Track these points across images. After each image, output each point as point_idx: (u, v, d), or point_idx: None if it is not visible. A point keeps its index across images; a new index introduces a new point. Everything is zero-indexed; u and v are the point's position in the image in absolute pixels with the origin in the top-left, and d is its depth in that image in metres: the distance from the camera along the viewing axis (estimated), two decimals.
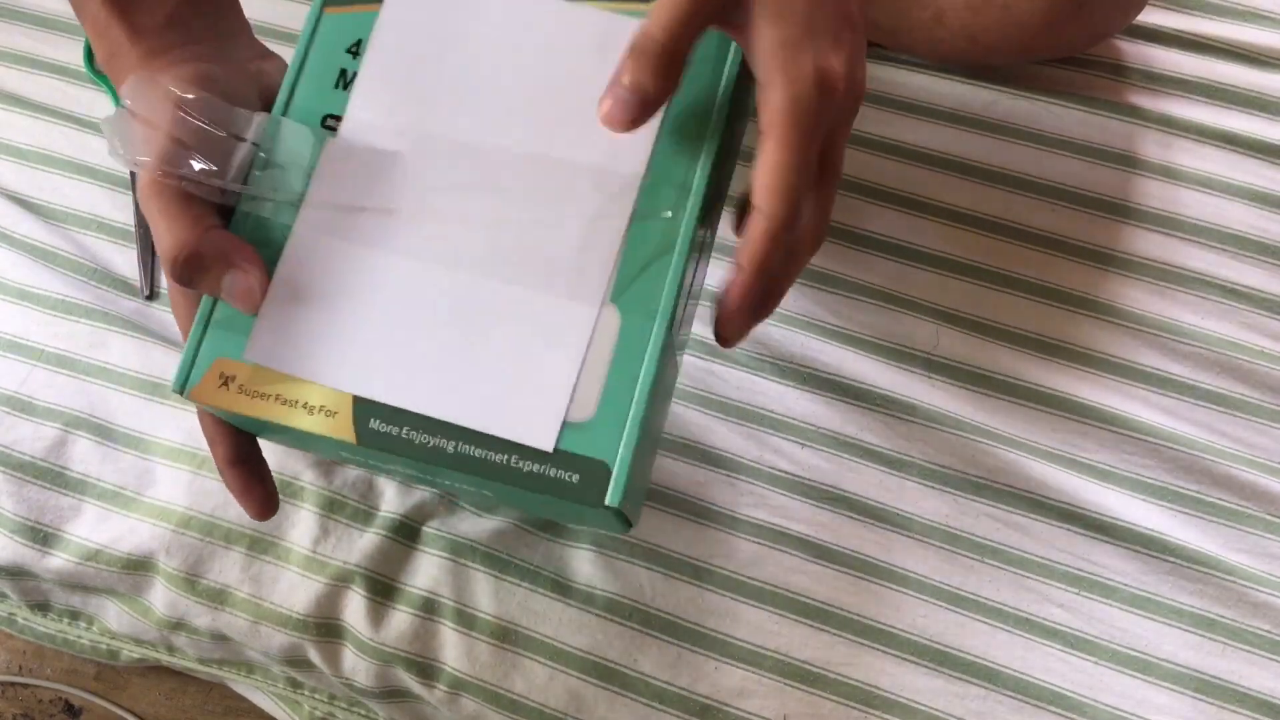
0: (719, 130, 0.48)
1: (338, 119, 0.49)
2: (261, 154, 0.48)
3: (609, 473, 0.45)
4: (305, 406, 0.46)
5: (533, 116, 0.50)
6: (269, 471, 0.53)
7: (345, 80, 0.50)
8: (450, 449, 0.46)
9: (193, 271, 0.46)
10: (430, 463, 0.46)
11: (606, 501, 0.45)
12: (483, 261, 0.48)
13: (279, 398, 0.47)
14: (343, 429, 0.46)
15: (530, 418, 0.46)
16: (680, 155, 0.48)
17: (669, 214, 0.47)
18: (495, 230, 0.48)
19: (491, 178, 0.49)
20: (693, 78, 0.48)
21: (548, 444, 0.46)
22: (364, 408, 0.46)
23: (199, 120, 0.47)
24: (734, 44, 0.49)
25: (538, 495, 0.46)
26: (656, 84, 0.44)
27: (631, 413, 0.46)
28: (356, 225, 0.49)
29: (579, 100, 0.49)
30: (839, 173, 0.47)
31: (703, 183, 0.47)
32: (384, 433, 0.46)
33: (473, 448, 0.46)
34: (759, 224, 0.44)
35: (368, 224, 0.49)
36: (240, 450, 0.52)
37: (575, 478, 0.46)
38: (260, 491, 0.53)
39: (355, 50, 0.50)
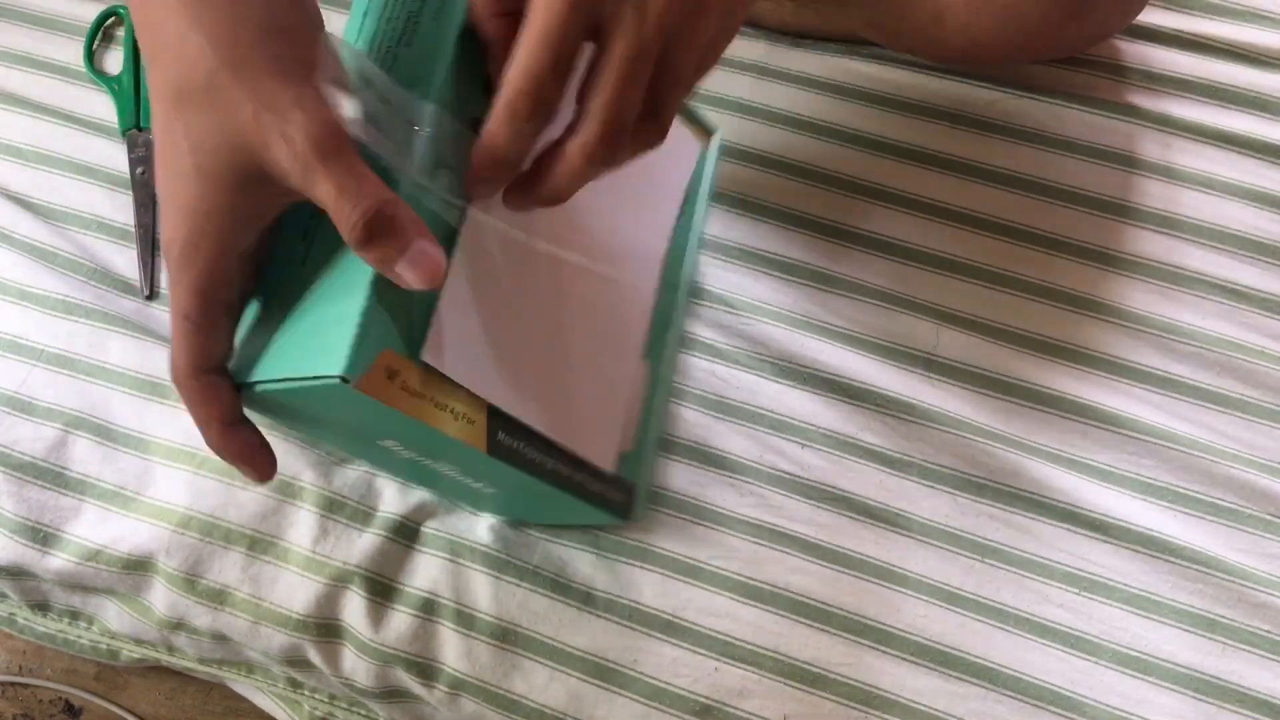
0: None
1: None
2: (434, 150, 0.46)
3: (634, 491, 0.60)
4: (453, 412, 0.47)
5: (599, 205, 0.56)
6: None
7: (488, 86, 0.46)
8: (549, 465, 0.52)
9: (380, 232, 0.41)
10: (532, 475, 0.52)
11: (631, 517, 0.60)
12: (579, 310, 0.55)
13: (434, 400, 0.46)
14: (476, 438, 0.48)
15: (601, 445, 0.56)
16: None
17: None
18: (583, 286, 0.55)
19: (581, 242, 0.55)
20: None
21: (610, 466, 0.55)
22: (497, 420, 0.49)
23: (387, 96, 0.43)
24: None
25: (581, 505, 0.56)
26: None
27: (650, 445, 0.58)
28: (507, 246, 0.49)
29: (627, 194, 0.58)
30: (637, 65, 0.42)
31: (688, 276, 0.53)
32: (509, 445, 0.50)
33: (562, 465, 0.54)
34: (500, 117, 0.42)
35: (514, 247, 0.50)
36: (237, 410, 0.47)
37: (618, 496, 0.58)
38: (266, 451, 0.49)
39: None
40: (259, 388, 0.46)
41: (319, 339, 0.44)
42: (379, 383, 0.43)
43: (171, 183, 0.43)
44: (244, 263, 0.45)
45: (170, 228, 0.44)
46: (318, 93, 0.41)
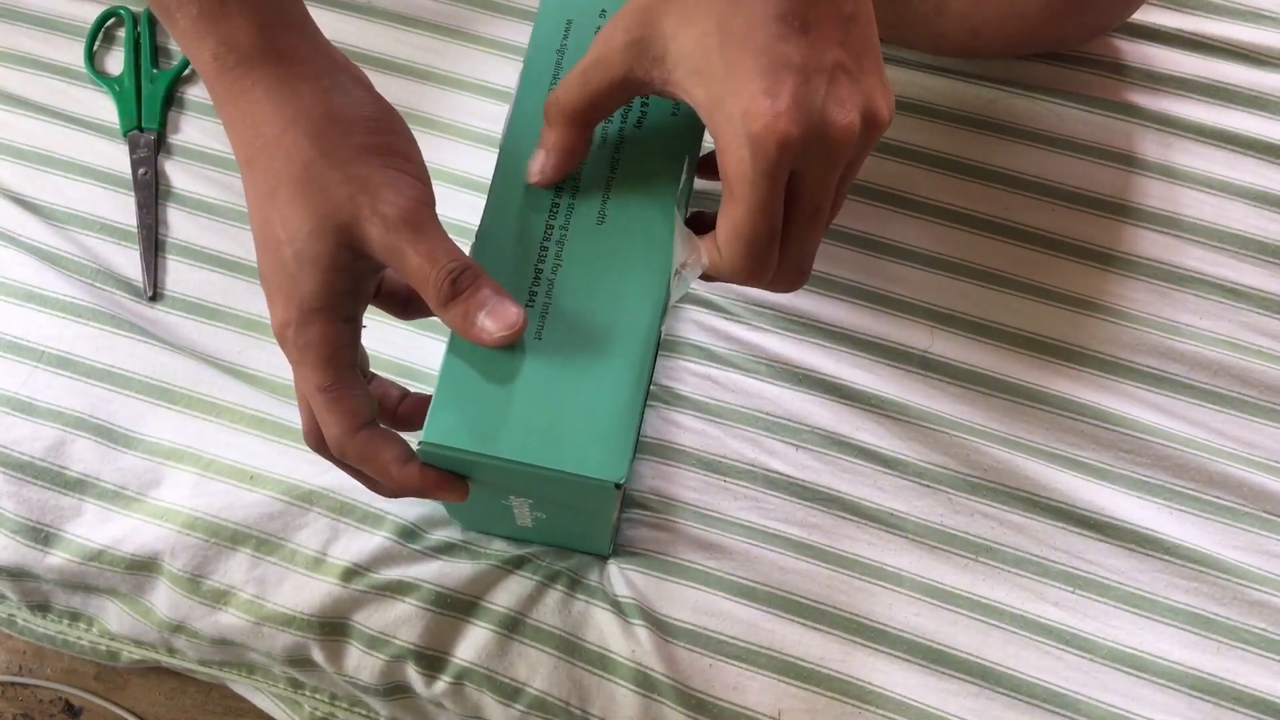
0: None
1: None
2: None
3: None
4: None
5: None
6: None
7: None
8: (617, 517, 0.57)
9: (461, 289, 0.46)
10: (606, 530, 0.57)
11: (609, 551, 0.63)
12: None
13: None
14: (618, 509, 0.52)
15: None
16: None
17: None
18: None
19: None
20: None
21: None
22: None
23: None
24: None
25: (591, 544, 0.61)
26: (554, 138, 0.48)
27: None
28: None
29: None
30: (820, 214, 0.46)
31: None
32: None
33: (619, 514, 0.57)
34: (721, 271, 0.47)
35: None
36: (406, 449, 0.49)
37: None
38: (452, 473, 0.51)
39: None
40: (511, 465, 0.47)
41: (592, 437, 0.46)
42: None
43: (274, 274, 0.47)
44: (355, 327, 0.48)
45: (281, 313, 0.47)
46: (403, 174, 0.46)
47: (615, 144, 0.51)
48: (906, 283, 0.69)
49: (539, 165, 0.50)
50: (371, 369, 0.54)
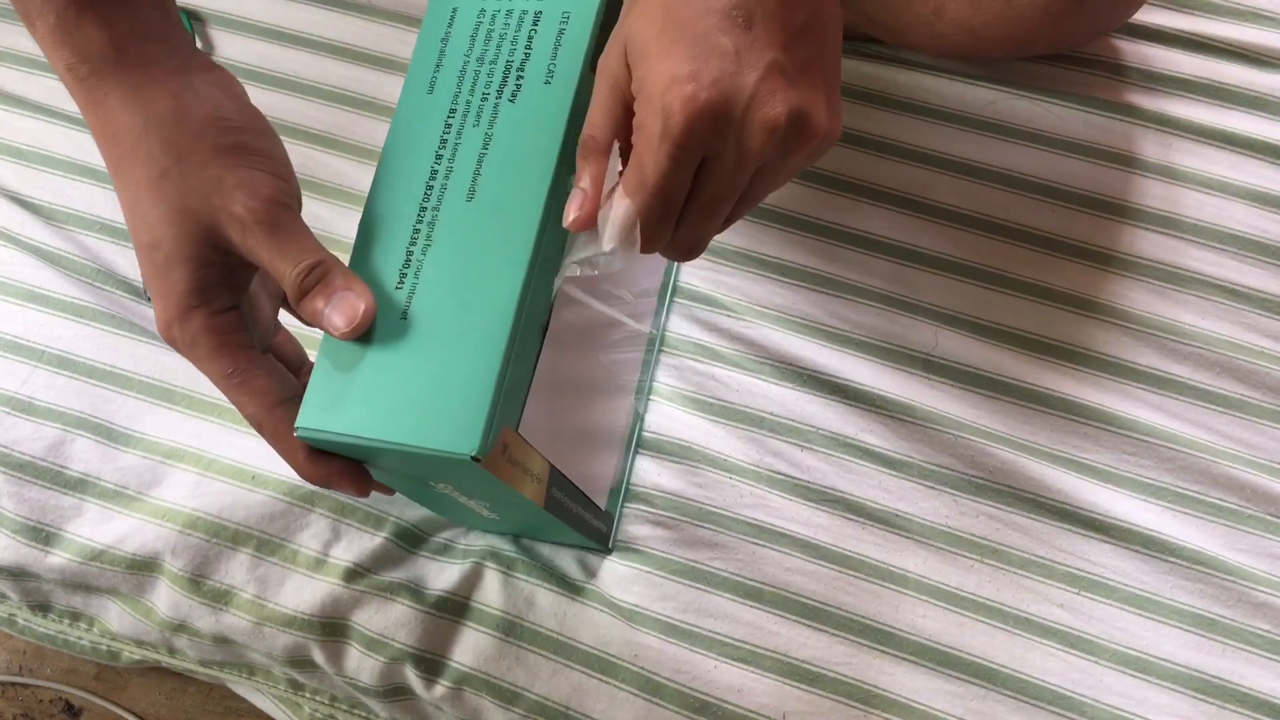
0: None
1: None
2: None
3: (614, 523, 0.64)
4: (532, 475, 0.50)
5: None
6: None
7: None
8: (575, 511, 0.56)
9: (313, 284, 0.47)
10: (560, 519, 0.55)
11: (610, 547, 0.64)
12: (593, 354, 0.58)
13: (523, 467, 0.49)
14: (540, 495, 0.51)
15: (600, 483, 0.60)
16: None
17: None
18: (603, 333, 0.60)
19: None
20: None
21: (604, 502, 0.60)
22: (554, 477, 0.52)
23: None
24: None
25: (574, 535, 0.59)
26: (597, 172, 0.47)
27: (626, 480, 0.62)
28: (566, 307, 0.51)
29: None
30: (718, 205, 0.46)
31: None
32: (558, 499, 0.53)
33: (584, 510, 0.58)
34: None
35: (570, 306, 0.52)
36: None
37: (603, 528, 0.62)
38: (358, 464, 0.51)
39: None
40: (373, 444, 0.47)
41: (447, 412, 0.46)
42: (496, 458, 0.46)
43: (151, 277, 0.48)
44: (240, 314, 0.49)
45: (162, 312, 0.48)
46: (257, 172, 0.47)
47: (490, 118, 0.50)
48: (909, 283, 0.69)
49: (579, 200, 0.47)
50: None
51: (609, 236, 0.45)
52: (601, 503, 0.61)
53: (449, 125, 0.50)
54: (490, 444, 0.45)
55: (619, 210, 0.45)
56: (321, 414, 0.47)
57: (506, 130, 0.49)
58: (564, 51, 0.49)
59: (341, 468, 0.49)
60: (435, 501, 0.58)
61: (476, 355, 0.46)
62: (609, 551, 0.63)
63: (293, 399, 0.48)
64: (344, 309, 0.47)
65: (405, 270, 0.48)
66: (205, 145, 0.47)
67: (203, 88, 0.49)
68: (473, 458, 0.45)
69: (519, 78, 0.50)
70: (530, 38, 0.50)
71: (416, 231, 0.49)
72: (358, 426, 0.46)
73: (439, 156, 0.49)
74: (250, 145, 0.48)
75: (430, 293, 0.47)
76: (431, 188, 0.49)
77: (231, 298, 0.49)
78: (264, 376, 0.49)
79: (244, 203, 0.46)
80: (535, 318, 0.48)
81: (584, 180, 0.46)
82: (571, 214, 0.46)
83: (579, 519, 0.58)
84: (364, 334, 0.47)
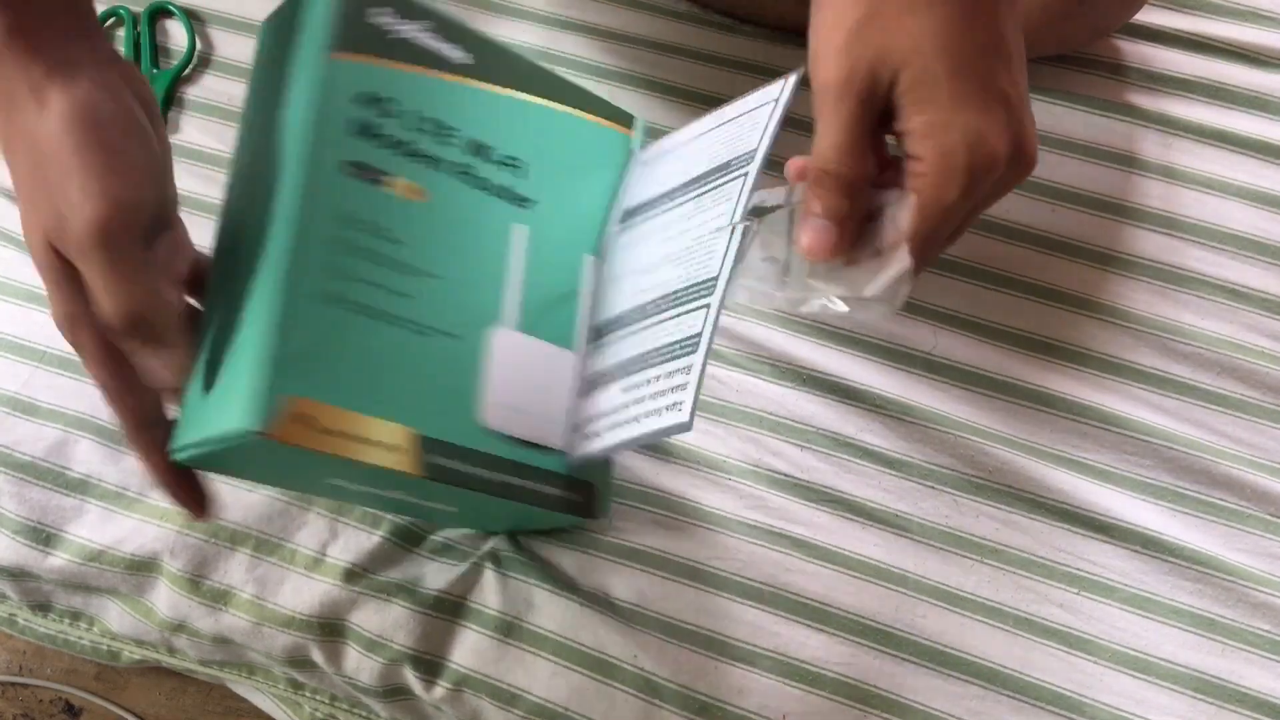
0: None
1: (357, 165, 0.49)
2: None
3: (594, 490, 0.55)
4: (376, 443, 0.47)
5: None
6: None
7: (363, 130, 0.49)
8: (495, 479, 0.51)
9: (136, 332, 0.46)
10: (478, 490, 0.51)
11: (597, 515, 0.55)
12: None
13: (353, 435, 0.47)
14: (407, 463, 0.48)
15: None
16: None
17: None
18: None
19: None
20: None
21: (559, 444, 0.53)
22: (429, 443, 0.49)
23: None
24: None
25: (540, 512, 0.54)
26: (846, 206, 0.47)
27: None
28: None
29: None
30: (962, 230, 0.50)
31: None
32: (445, 466, 0.49)
33: (510, 476, 0.52)
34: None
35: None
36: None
37: (577, 497, 0.54)
38: (200, 495, 0.52)
39: (366, 101, 0.49)
40: (180, 454, 0.48)
41: (227, 395, 0.45)
42: (293, 428, 0.44)
43: (44, 276, 0.47)
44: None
45: (54, 310, 0.48)
46: (107, 186, 0.44)
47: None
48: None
49: (836, 237, 0.48)
50: None
51: (879, 288, 0.46)
52: (556, 443, 0.54)
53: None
54: (272, 415, 0.43)
55: (900, 268, 0.46)
56: (179, 433, 0.48)
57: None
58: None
59: (186, 483, 0.51)
60: (398, 506, 0.58)
61: (250, 331, 0.45)
62: (594, 518, 0.56)
63: (156, 420, 0.50)
64: (156, 370, 0.48)
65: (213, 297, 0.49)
66: (69, 145, 0.45)
67: (89, 89, 0.46)
68: (257, 433, 0.43)
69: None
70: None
71: (223, 266, 0.50)
72: (186, 437, 0.47)
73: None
74: (112, 155, 0.45)
75: (226, 295, 0.48)
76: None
77: (90, 314, 0.47)
78: (133, 395, 0.49)
79: (82, 216, 0.44)
80: (327, 285, 0.47)
81: (836, 214, 0.48)
82: (806, 240, 0.48)
83: (523, 491, 0.53)
84: (198, 349, 0.48)
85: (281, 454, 0.46)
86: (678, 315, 0.50)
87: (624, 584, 0.62)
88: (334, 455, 0.46)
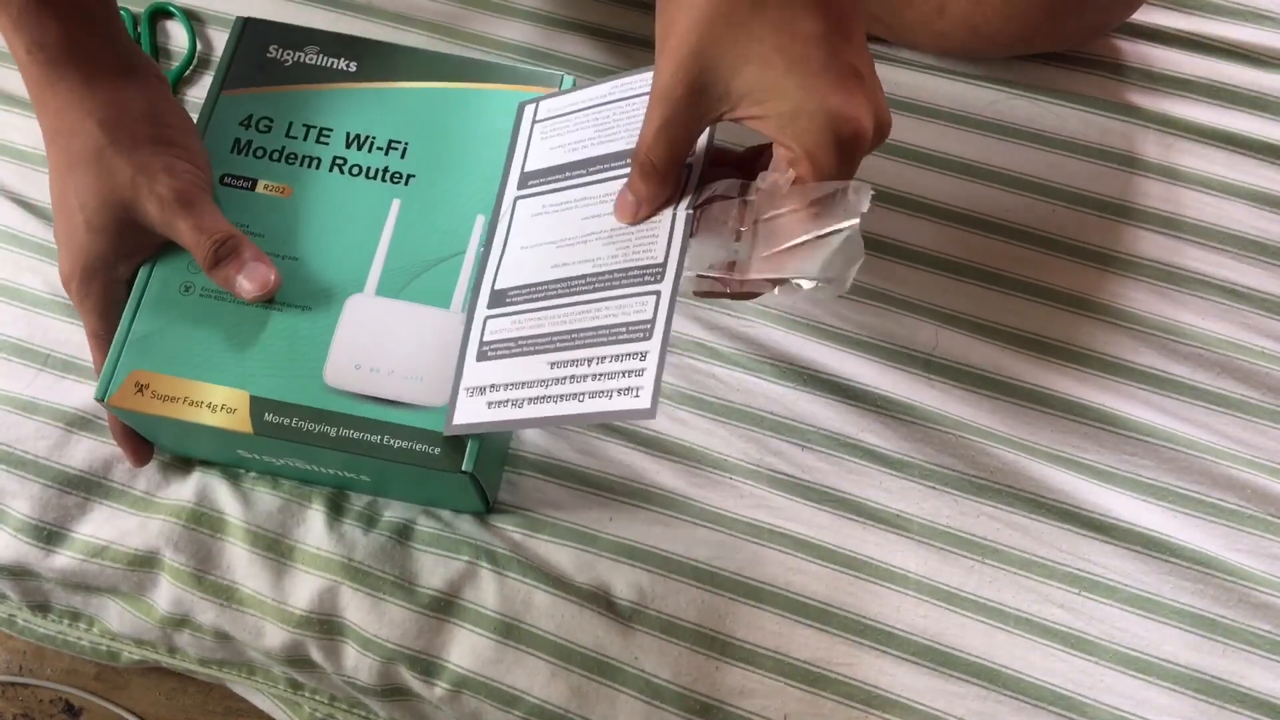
0: None
1: (235, 178, 0.60)
2: None
3: (464, 445, 0.55)
4: (209, 406, 0.56)
5: None
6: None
7: (241, 147, 0.61)
8: (334, 434, 0.56)
9: (224, 255, 0.56)
10: (319, 447, 0.56)
11: (464, 468, 0.55)
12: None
13: (187, 400, 0.56)
14: (241, 423, 0.56)
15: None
16: None
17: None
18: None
19: None
20: None
21: (440, 402, 0.56)
22: (260, 403, 0.56)
23: None
24: None
25: (405, 468, 0.56)
26: (650, 192, 0.52)
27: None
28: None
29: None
30: None
31: None
32: (278, 423, 0.56)
33: (354, 432, 0.56)
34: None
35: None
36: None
37: (445, 455, 0.55)
38: (143, 445, 0.64)
39: (247, 123, 0.62)
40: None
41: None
42: (129, 396, 0.56)
43: (67, 234, 0.57)
44: (128, 285, 0.59)
45: (68, 266, 0.58)
46: (179, 160, 0.57)
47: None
48: (910, 283, 0.69)
49: (634, 210, 0.54)
50: None
51: (833, 265, 0.48)
52: (438, 401, 0.56)
53: None
54: (115, 385, 0.56)
55: (847, 235, 0.48)
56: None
57: None
58: None
59: (132, 436, 0.63)
60: (309, 475, 0.63)
61: (123, 321, 0.57)
62: (487, 511, 0.63)
63: None
64: (256, 277, 0.56)
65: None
66: (137, 134, 0.56)
67: (140, 85, 0.58)
68: (102, 401, 0.56)
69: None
70: None
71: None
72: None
73: None
74: (175, 138, 0.58)
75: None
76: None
77: (130, 270, 0.58)
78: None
79: (166, 183, 0.55)
80: (188, 278, 0.58)
81: (643, 195, 0.53)
82: (629, 215, 0.54)
83: (366, 444, 0.55)
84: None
85: (136, 420, 0.59)
86: (619, 298, 0.52)
87: (624, 583, 0.62)
88: (170, 418, 0.56)
